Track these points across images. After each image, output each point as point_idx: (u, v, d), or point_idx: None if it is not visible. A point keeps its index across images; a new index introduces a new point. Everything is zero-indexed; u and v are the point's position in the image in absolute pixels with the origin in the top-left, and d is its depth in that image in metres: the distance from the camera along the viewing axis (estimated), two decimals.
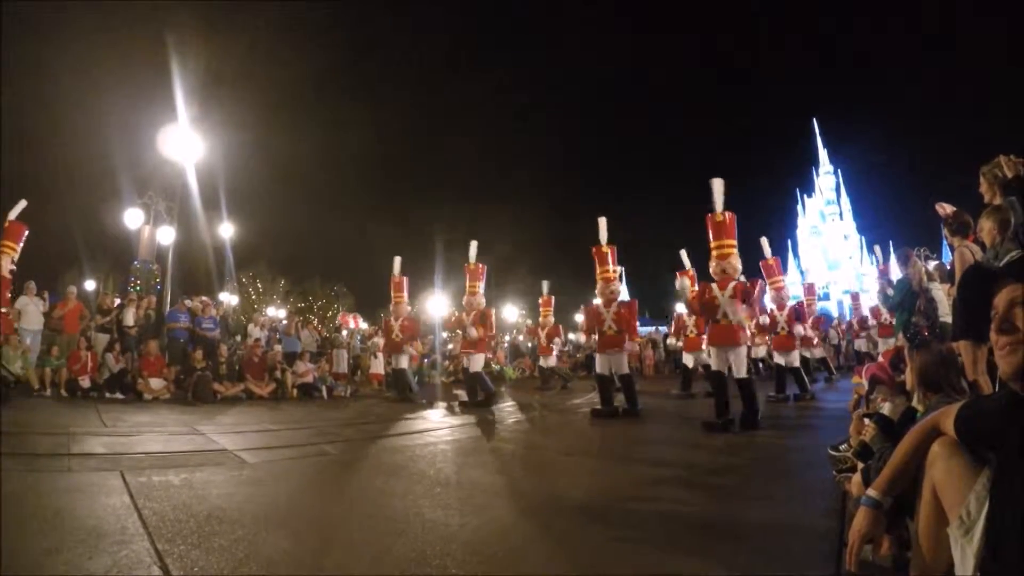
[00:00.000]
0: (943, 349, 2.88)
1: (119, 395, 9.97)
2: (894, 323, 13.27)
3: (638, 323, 9.88)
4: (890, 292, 7.12)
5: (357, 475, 4.71)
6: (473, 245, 10.44)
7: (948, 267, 6.49)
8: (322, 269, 49.63)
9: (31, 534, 2.81)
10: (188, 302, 13.44)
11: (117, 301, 13.22)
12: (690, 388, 11.51)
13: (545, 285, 15.33)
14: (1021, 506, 1.41)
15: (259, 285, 46.11)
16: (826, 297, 67.17)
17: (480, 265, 10.47)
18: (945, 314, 5.94)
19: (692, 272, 10.47)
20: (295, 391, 11.88)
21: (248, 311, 33.41)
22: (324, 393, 12.21)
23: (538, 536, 3.14)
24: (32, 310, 11.07)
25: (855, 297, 25.01)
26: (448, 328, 12.75)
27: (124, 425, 6.84)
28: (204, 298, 13.90)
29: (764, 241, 10.83)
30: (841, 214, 74.80)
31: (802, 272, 72.97)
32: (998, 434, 1.58)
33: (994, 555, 1.48)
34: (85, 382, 10.19)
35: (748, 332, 7.50)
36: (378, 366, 14.70)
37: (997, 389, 1.73)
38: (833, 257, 72.05)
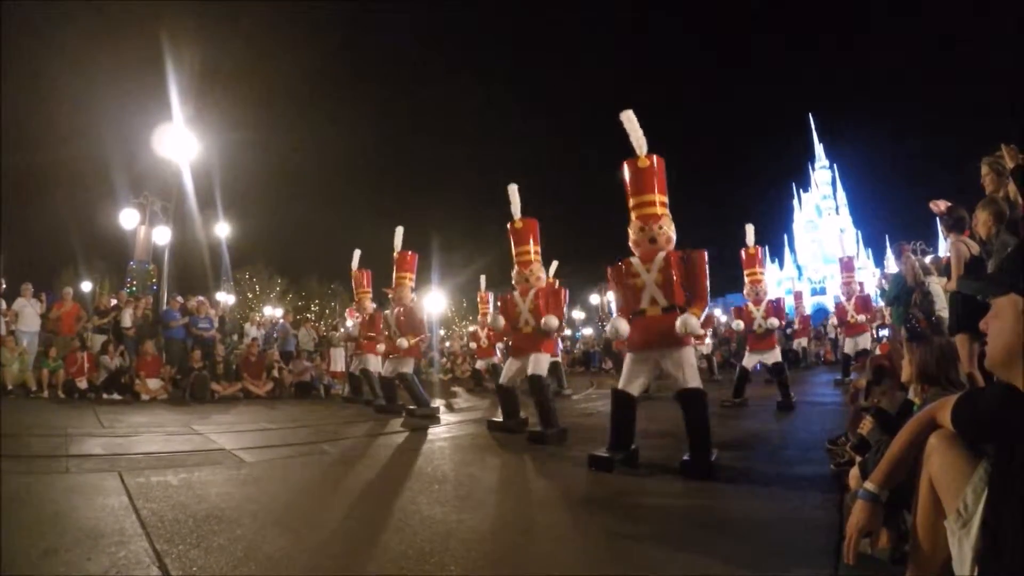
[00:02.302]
0: (942, 343, 2.89)
1: (116, 396, 9.97)
2: (875, 319, 13.05)
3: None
4: (885, 286, 7.15)
5: (355, 473, 4.71)
6: (399, 231, 9.05)
7: (944, 261, 6.51)
8: (319, 268, 49.58)
9: (29, 535, 2.80)
10: (179, 298, 13.42)
11: (114, 302, 13.21)
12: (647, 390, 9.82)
13: (483, 280, 14.46)
14: (1019, 499, 1.41)
15: (256, 284, 46.07)
16: (822, 292, 67.39)
17: (410, 253, 9.07)
18: (942, 308, 5.97)
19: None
20: (292, 390, 11.90)
21: (245, 310, 33.41)
22: (322, 392, 12.24)
23: (536, 532, 3.14)
24: (29, 312, 11.09)
25: (798, 296, 23.18)
26: (366, 330, 10.54)
27: (122, 426, 6.83)
28: (200, 298, 13.88)
29: (749, 228, 9.23)
30: (837, 208, 74.93)
31: (799, 267, 73.26)
32: (995, 427, 1.58)
33: (992, 548, 1.48)
34: (82, 383, 10.19)
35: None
36: (376, 365, 14.61)
37: (994, 382, 1.74)
38: (829, 251, 72.24)
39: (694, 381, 4.67)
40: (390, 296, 8.96)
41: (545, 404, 6.27)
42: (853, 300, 12.03)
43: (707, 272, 4.84)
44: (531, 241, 6.81)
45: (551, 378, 7.59)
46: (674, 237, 4.96)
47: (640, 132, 4.89)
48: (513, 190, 6.74)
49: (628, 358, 5.04)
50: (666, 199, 5.00)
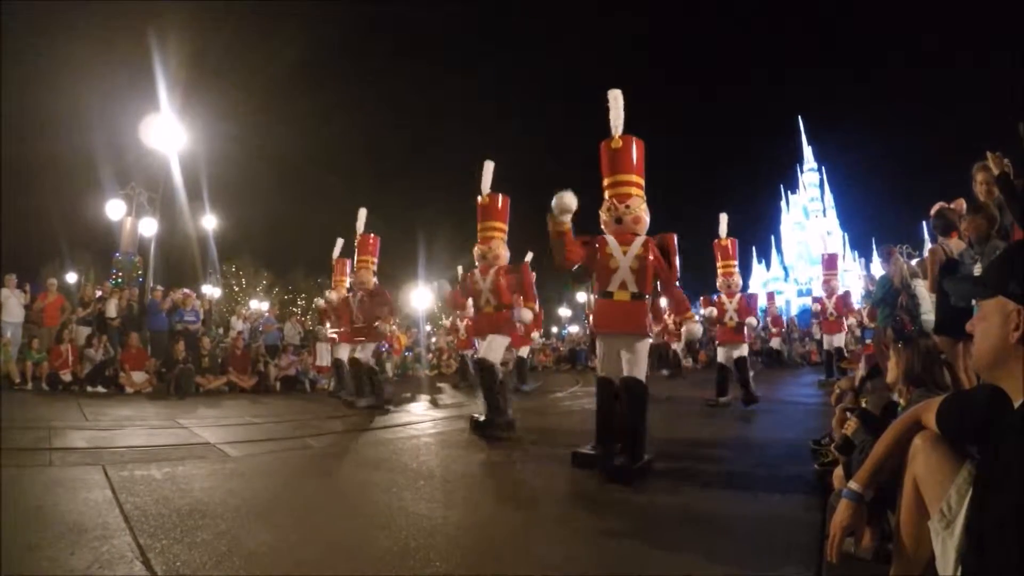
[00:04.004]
0: (928, 344, 2.91)
1: (101, 388, 9.89)
2: (863, 320, 12.99)
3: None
4: (871, 288, 7.19)
5: (340, 468, 4.70)
6: (362, 212, 8.92)
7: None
8: (306, 261, 49.19)
9: (12, 530, 2.77)
10: (159, 288, 13.32)
11: (99, 293, 13.09)
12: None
13: (460, 271, 13.75)
14: (1002, 500, 1.42)
15: (242, 277, 45.77)
16: (808, 293, 67.88)
17: (372, 236, 8.80)
18: (928, 311, 6.03)
19: None
20: (278, 384, 11.84)
21: (231, 304, 33.22)
22: (307, 386, 12.19)
23: (521, 529, 3.16)
24: (13, 302, 10.96)
25: (770, 297, 22.44)
26: (328, 310, 10.02)
27: (106, 419, 6.77)
28: (186, 290, 13.78)
29: (723, 218, 8.88)
30: (824, 211, 75.49)
31: (785, 268, 73.81)
32: (980, 428, 1.60)
33: (975, 548, 1.49)
34: (67, 375, 10.10)
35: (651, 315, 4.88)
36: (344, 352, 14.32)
37: (979, 384, 1.75)
38: (816, 253, 72.79)
39: (639, 372, 4.53)
40: (351, 282, 8.78)
41: (492, 390, 6.05)
42: (834, 298, 11.88)
43: (676, 251, 4.79)
44: (496, 217, 6.55)
45: (512, 372, 7.29)
46: (647, 219, 4.83)
47: (621, 114, 4.76)
48: (487, 167, 6.52)
49: (597, 341, 4.97)
50: (640, 180, 4.88)
